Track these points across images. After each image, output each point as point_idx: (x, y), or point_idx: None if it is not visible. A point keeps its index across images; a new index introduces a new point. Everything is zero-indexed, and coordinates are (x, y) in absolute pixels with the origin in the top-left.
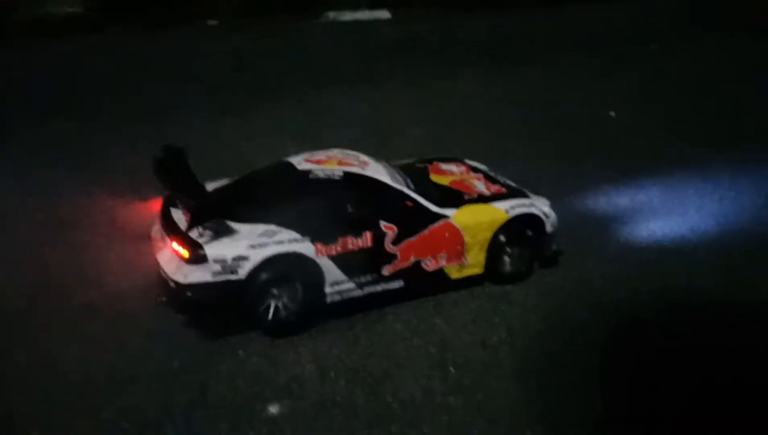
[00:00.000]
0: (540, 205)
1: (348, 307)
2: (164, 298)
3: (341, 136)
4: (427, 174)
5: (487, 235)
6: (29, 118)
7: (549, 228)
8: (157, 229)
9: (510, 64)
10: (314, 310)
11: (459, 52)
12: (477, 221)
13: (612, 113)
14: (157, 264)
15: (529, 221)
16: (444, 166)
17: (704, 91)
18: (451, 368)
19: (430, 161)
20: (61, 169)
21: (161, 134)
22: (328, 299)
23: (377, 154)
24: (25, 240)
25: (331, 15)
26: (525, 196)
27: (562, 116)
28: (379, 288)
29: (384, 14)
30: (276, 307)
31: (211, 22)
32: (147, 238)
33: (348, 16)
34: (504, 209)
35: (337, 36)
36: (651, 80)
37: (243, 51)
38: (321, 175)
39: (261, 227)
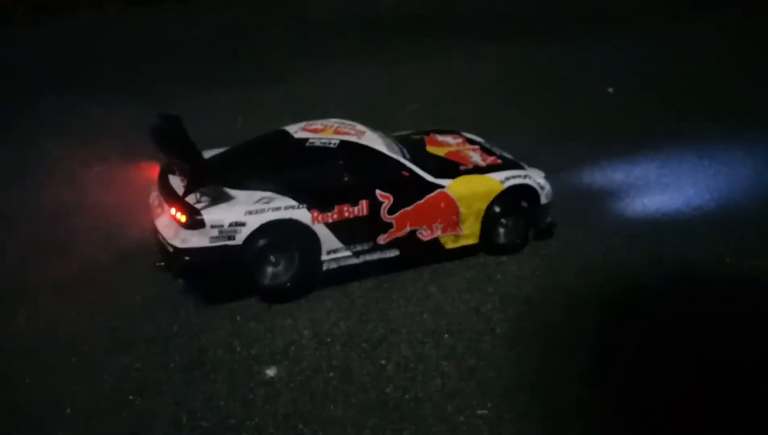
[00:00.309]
0: (535, 177)
1: (343, 274)
2: (162, 263)
3: (339, 109)
4: (424, 145)
5: (482, 205)
6: (30, 92)
7: (544, 199)
8: (155, 196)
9: (507, 40)
10: (310, 277)
11: (457, 28)
12: (472, 191)
13: (610, 89)
14: (155, 229)
15: (524, 192)
16: (440, 138)
17: (701, 68)
18: (446, 335)
19: (427, 133)
20: (61, 139)
21: (160, 107)
22: (324, 267)
23: (376, 128)
24: (23, 205)
25: None
26: (520, 167)
27: (560, 92)
28: (374, 256)
29: None
30: (273, 274)
31: None
32: (144, 204)
33: None
34: (499, 180)
35: (334, 10)
36: (648, 56)
37: (240, 25)
38: (317, 143)
39: (258, 194)
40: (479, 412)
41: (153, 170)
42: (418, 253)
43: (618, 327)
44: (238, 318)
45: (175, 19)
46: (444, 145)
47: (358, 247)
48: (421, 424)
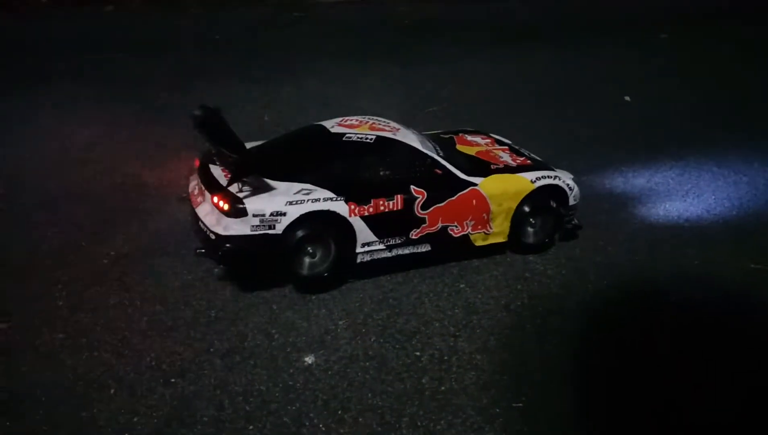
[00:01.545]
0: (564, 178)
1: (374, 268)
2: (203, 250)
3: (359, 110)
4: (454, 144)
5: (513, 204)
6: (54, 80)
7: (572, 201)
8: (194, 184)
9: (523, 46)
10: (345, 269)
11: (475, 33)
12: (503, 190)
13: (627, 98)
14: (196, 217)
15: (553, 193)
16: (469, 138)
17: (716, 76)
18: (477, 329)
19: (456, 132)
20: (96, 127)
21: (186, 102)
22: (358, 259)
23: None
24: (58, 195)
25: None
26: (550, 168)
27: (576, 98)
28: (407, 251)
29: None
30: (310, 264)
31: None
32: (184, 192)
33: None
34: (530, 179)
35: (354, 12)
36: (666, 65)
37: (260, 24)
38: (354, 138)
39: (297, 185)
40: (514, 404)
41: (192, 160)
42: (449, 249)
43: (642, 327)
44: (275, 306)
45: (193, 16)
46: (473, 144)
47: (391, 241)
48: (458, 415)
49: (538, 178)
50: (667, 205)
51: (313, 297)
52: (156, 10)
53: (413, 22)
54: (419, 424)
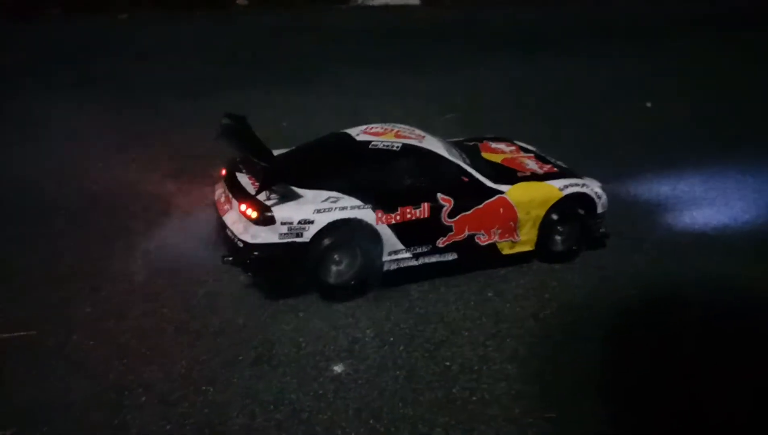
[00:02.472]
0: (592, 186)
1: (400, 276)
2: (230, 258)
3: (377, 117)
4: (479, 151)
5: (540, 212)
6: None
7: (600, 209)
8: (220, 192)
9: (540, 53)
10: (371, 277)
11: (489, 39)
12: (531, 198)
13: (648, 104)
14: (222, 225)
15: (581, 201)
16: (494, 145)
17: (739, 82)
18: (507, 339)
19: (480, 139)
20: (108, 137)
21: (199, 110)
22: (385, 267)
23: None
24: (81, 203)
25: (360, 0)
26: (577, 176)
27: (596, 104)
28: (433, 259)
29: (413, 0)
30: (337, 272)
31: (241, 2)
32: (209, 201)
33: (377, 1)
34: (558, 187)
35: (367, 20)
36: (683, 70)
37: (275, 31)
38: (380, 146)
39: (324, 193)
40: (547, 415)
41: (216, 168)
42: (476, 258)
43: (671, 334)
44: (301, 314)
45: (206, 24)
46: (498, 151)
47: (418, 250)
48: (491, 425)
49: (566, 186)
50: (692, 214)
51: (340, 305)
52: (169, 18)
53: (426, 30)
54: (452, 434)
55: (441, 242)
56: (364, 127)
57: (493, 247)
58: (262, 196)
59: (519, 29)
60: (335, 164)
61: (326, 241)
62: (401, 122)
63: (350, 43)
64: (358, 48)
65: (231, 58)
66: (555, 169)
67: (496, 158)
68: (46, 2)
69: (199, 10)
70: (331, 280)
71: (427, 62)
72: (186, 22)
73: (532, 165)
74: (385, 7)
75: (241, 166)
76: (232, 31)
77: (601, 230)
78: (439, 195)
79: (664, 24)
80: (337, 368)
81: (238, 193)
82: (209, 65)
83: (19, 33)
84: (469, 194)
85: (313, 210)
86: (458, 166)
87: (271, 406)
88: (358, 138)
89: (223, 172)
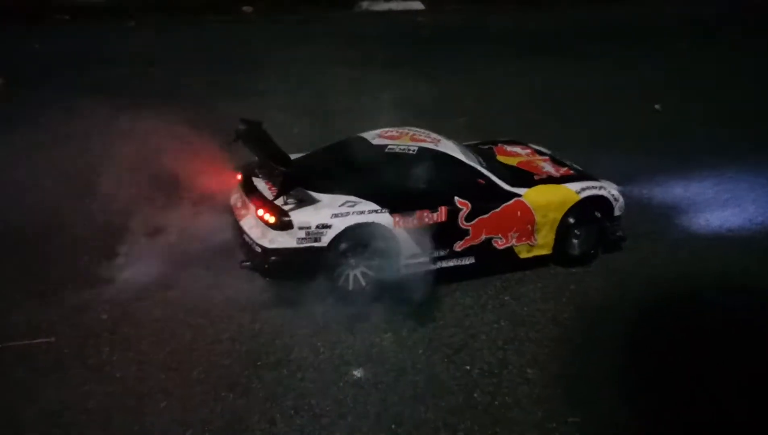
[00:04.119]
0: (609, 188)
1: (417, 280)
2: (248, 263)
3: (388, 121)
4: (494, 155)
5: (558, 215)
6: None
7: (617, 211)
8: (236, 197)
9: (547, 56)
10: (388, 282)
11: (493, 43)
12: (548, 201)
13: (657, 106)
14: (240, 230)
15: (598, 203)
16: (509, 148)
17: (746, 84)
18: (526, 342)
19: (494, 143)
20: (122, 142)
21: (212, 115)
22: (402, 271)
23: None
24: (95, 209)
25: (364, 5)
26: (594, 178)
27: (607, 108)
28: (450, 263)
29: (417, 4)
30: (353, 276)
31: (246, 9)
32: (223, 206)
33: (381, 5)
34: (575, 190)
35: (372, 25)
36: (691, 73)
37: (281, 35)
38: (397, 149)
39: (342, 198)
40: (570, 419)
41: (233, 174)
42: (493, 262)
43: (690, 336)
44: (319, 319)
45: (214, 31)
46: (514, 154)
47: (435, 254)
48: (514, 429)
49: (583, 189)
50: (707, 215)
51: (357, 309)
52: (177, 25)
53: (431, 34)
54: None
55: (458, 246)
56: (379, 130)
57: (510, 250)
58: (279, 201)
59: (524, 33)
60: (352, 168)
61: (343, 246)
62: (413, 126)
63: (357, 47)
64: (365, 52)
65: (238, 64)
66: (571, 171)
67: (512, 161)
68: (54, 9)
69: (204, 17)
70: (349, 284)
71: (434, 66)
72: (192, 29)
73: (548, 168)
74: (389, 12)
75: (257, 171)
76: (238, 37)
77: (617, 233)
78: (456, 198)
79: (673, 26)
80: (357, 373)
81: (255, 198)
82: (217, 71)
83: (30, 38)
84: (486, 197)
85: (330, 214)
86: (475, 169)
87: (292, 411)
88: (374, 142)
89: (239, 177)
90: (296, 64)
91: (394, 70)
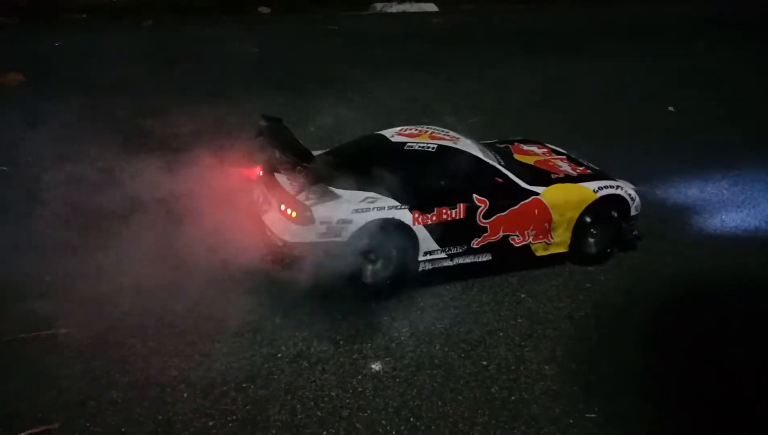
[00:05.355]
0: (626, 188)
1: (435, 276)
2: (269, 257)
3: (401, 121)
4: (511, 153)
5: (575, 214)
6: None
7: (633, 211)
8: (259, 193)
9: (562, 56)
10: (406, 277)
11: (510, 43)
12: (566, 199)
13: (671, 108)
14: (262, 225)
15: (615, 203)
16: (526, 147)
17: (759, 84)
18: (543, 339)
19: (511, 142)
20: (137, 143)
21: (227, 113)
22: (420, 268)
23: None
24: (117, 205)
25: (379, 6)
26: (611, 178)
27: (620, 108)
28: (468, 259)
29: (431, 6)
30: (373, 271)
31: (262, 9)
32: (246, 201)
33: (395, 7)
34: (592, 189)
35: (387, 26)
36: (705, 74)
37: (298, 37)
38: (416, 147)
39: (362, 194)
40: (588, 415)
41: (253, 169)
42: (510, 259)
43: (707, 335)
44: (338, 313)
45: (229, 31)
46: (531, 153)
47: (453, 250)
48: (531, 425)
49: (600, 188)
50: (723, 216)
51: (375, 304)
52: (193, 25)
53: (445, 35)
54: (493, 433)
55: (476, 243)
56: (398, 128)
57: (527, 248)
58: (301, 196)
59: (539, 33)
60: (372, 165)
61: (363, 241)
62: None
63: (372, 48)
64: (380, 53)
65: (256, 64)
66: (588, 171)
67: (529, 160)
68: (71, 8)
69: (220, 18)
70: (368, 279)
71: (449, 66)
72: (209, 29)
73: (565, 167)
74: (403, 14)
75: (278, 166)
76: (255, 37)
77: (633, 233)
78: (475, 196)
79: (692, 27)
80: (375, 366)
81: (277, 192)
82: (234, 71)
83: (50, 37)
84: (505, 195)
85: (351, 210)
86: (493, 167)
87: (312, 403)
88: (394, 139)
89: (260, 172)
90: (311, 64)
91: (408, 70)
